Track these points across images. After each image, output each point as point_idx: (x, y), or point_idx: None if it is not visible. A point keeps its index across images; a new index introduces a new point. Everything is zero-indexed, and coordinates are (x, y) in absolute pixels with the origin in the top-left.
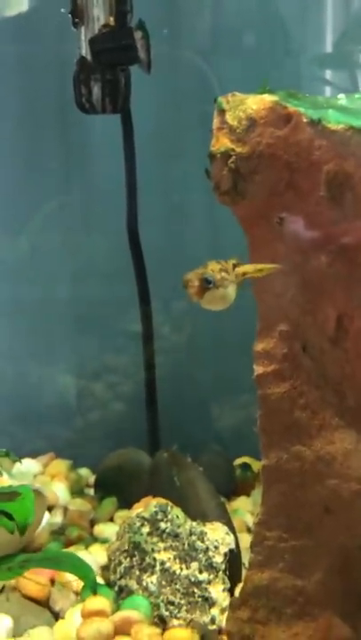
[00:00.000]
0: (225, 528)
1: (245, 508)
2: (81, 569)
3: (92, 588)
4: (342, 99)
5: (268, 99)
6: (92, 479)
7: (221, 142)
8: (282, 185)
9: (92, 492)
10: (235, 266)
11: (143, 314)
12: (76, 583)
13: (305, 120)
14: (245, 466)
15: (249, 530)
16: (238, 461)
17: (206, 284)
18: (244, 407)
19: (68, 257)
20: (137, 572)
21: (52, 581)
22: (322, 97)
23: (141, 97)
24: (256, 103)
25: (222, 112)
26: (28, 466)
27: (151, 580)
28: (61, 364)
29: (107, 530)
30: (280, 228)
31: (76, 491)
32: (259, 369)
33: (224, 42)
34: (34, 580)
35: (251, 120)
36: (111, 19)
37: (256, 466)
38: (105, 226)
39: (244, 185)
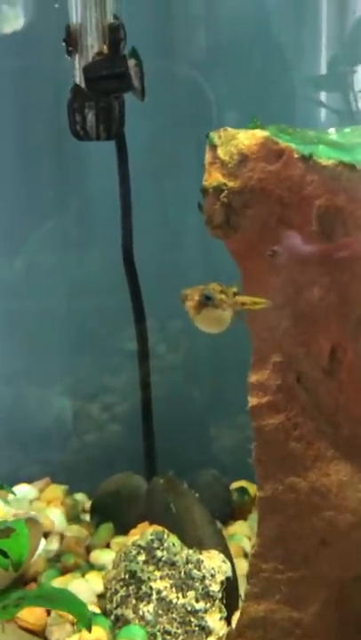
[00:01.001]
0: (221, 556)
1: (243, 533)
2: (75, 606)
3: (87, 626)
4: (333, 133)
5: (260, 134)
6: (88, 504)
7: (214, 177)
8: (274, 219)
9: (88, 517)
10: (235, 294)
11: (139, 333)
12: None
13: (296, 155)
14: (242, 490)
15: (246, 555)
16: (235, 485)
17: (205, 300)
18: (242, 428)
19: (63, 276)
20: (133, 601)
21: (48, 612)
22: (312, 131)
23: (137, 114)
24: (248, 138)
25: (214, 147)
26: (24, 491)
27: (148, 609)
28: (57, 385)
29: (103, 556)
30: (273, 260)
31: (72, 516)
32: (253, 400)
33: (219, 59)
34: (27, 622)
35: (242, 155)
36: (105, 47)
37: (253, 490)
38: (101, 245)
39: (236, 219)
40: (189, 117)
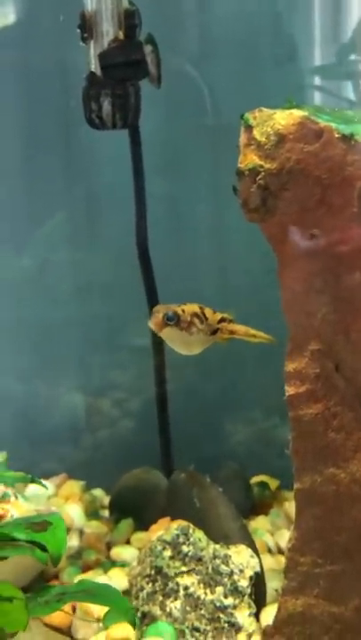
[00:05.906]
0: (249, 551)
1: (264, 528)
2: (118, 601)
3: (132, 622)
4: None
5: (297, 114)
6: (106, 500)
7: (249, 159)
8: (313, 201)
9: (106, 513)
10: (223, 320)
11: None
12: (99, 609)
13: (337, 135)
14: (263, 485)
15: (270, 551)
16: (255, 480)
17: (167, 320)
18: (256, 423)
19: (72, 272)
20: (160, 598)
21: (74, 608)
22: (351, 111)
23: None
24: (284, 118)
25: (249, 128)
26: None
27: (175, 606)
28: (69, 381)
29: (124, 553)
30: (311, 245)
31: (91, 513)
32: (290, 390)
33: (216, 50)
34: (53, 619)
35: (279, 135)
36: (120, 33)
37: (273, 484)
38: (110, 239)
39: (273, 202)
40: (193, 109)
